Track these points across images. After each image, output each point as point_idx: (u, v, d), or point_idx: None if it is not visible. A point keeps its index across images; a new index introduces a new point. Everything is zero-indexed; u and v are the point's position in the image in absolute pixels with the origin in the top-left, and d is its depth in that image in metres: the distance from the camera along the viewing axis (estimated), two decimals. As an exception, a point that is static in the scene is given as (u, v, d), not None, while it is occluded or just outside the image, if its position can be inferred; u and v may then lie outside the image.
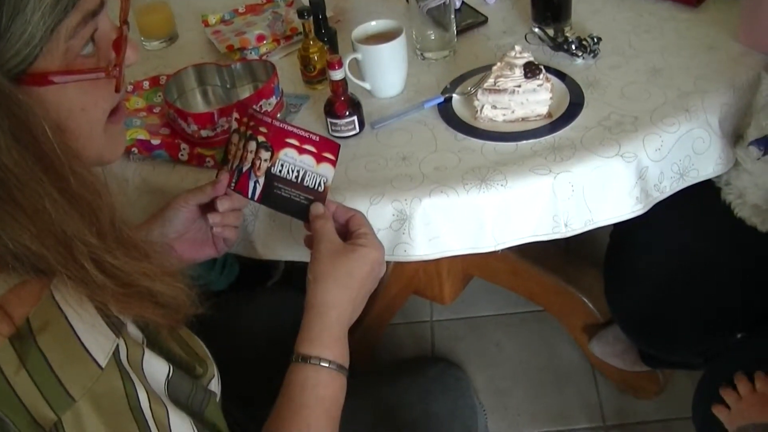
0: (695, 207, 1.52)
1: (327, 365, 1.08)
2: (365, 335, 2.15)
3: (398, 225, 1.33)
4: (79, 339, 0.79)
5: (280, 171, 1.23)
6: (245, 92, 1.56)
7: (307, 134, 1.22)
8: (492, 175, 1.33)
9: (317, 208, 1.20)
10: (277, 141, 1.23)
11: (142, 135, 1.47)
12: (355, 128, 1.47)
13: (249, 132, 1.25)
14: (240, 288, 2.25)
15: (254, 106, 1.43)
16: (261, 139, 1.24)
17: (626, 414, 2.15)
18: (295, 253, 1.39)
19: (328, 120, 1.46)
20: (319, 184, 1.22)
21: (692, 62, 1.53)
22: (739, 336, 1.60)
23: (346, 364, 1.10)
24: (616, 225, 1.43)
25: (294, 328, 1.12)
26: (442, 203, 1.32)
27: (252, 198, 1.25)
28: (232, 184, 1.26)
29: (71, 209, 0.79)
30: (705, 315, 1.52)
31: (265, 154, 1.23)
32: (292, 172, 1.22)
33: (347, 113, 1.45)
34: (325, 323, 1.10)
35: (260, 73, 1.56)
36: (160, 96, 1.59)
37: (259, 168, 1.24)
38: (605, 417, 2.15)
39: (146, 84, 1.62)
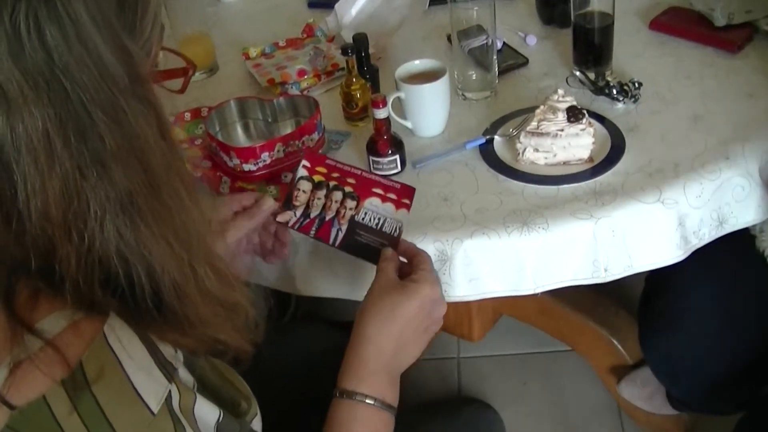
0: (731, 255, 1.52)
1: (363, 400, 1.07)
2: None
3: (439, 265, 1.34)
4: (133, 385, 0.79)
5: (363, 218, 1.27)
6: (287, 127, 1.58)
7: (390, 183, 1.28)
8: (533, 218, 1.34)
9: (386, 252, 1.20)
10: (363, 190, 1.28)
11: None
12: (397, 167, 1.48)
13: (334, 183, 1.30)
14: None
15: (297, 142, 1.45)
16: (348, 189, 1.29)
17: (653, 457, 2.13)
18: (335, 289, 1.40)
19: (370, 158, 1.47)
20: (395, 229, 1.25)
21: (732, 109, 1.53)
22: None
23: (390, 400, 1.09)
24: (651, 270, 1.43)
25: (327, 362, 1.13)
26: (483, 245, 1.33)
27: (333, 244, 1.28)
28: (296, 227, 1.30)
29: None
30: (740, 363, 1.51)
31: (351, 203, 1.28)
32: (374, 219, 1.27)
33: (390, 152, 1.46)
34: (362, 357, 1.09)
35: (302, 109, 1.57)
36: (201, 128, 1.60)
37: (343, 216, 1.28)
38: (631, 459, 2.14)
39: (187, 116, 1.64)
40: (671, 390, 1.81)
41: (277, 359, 1.50)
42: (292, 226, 1.31)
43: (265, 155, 1.44)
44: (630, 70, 1.69)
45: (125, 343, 0.79)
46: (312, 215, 1.30)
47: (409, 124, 1.57)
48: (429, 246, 1.33)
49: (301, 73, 1.74)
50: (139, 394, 0.79)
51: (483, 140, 1.52)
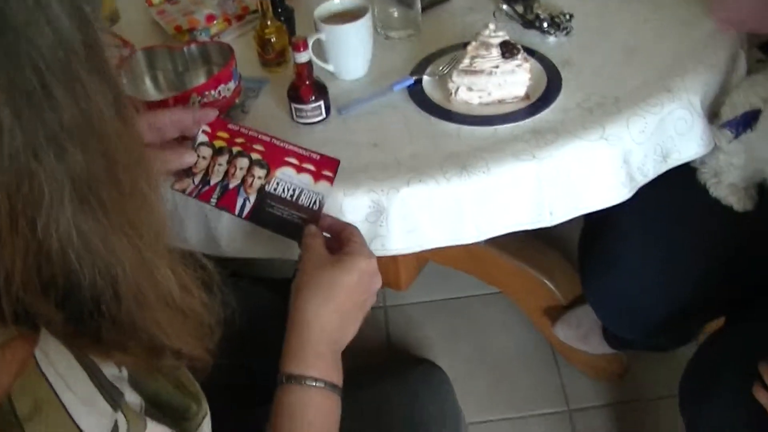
0: (671, 190, 1.47)
1: (313, 384, 0.99)
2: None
3: (374, 217, 1.25)
4: (74, 421, 0.67)
5: (275, 189, 1.17)
6: (200, 77, 1.45)
7: (307, 153, 1.18)
8: (472, 162, 1.26)
9: (310, 228, 1.12)
10: (274, 159, 1.18)
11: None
12: (321, 114, 1.37)
13: (238, 148, 1.20)
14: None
15: (213, 92, 1.33)
16: (256, 156, 1.19)
17: (590, 397, 2.11)
18: (264, 249, 1.30)
19: (293, 105, 1.37)
20: (315, 202, 1.16)
21: (669, 39, 1.47)
22: (716, 320, 1.57)
23: (336, 381, 1.02)
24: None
25: (262, 325, 1.07)
26: (420, 193, 1.24)
27: (240, 215, 1.18)
28: (194, 195, 1.20)
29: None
30: (684, 301, 1.47)
31: (260, 172, 1.18)
32: (288, 190, 1.17)
33: (313, 98, 1.35)
34: (307, 338, 1.01)
35: (215, 56, 1.45)
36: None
37: (251, 185, 1.18)
38: (569, 401, 2.11)
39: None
40: (615, 331, 1.77)
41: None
42: (190, 194, 1.20)
43: (194, 98, 1.32)
44: (559, 1, 1.60)
45: (62, 371, 0.67)
46: (212, 182, 1.20)
47: (331, 68, 1.47)
48: (363, 197, 1.24)
49: (210, 18, 1.61)
50: (81, 430, 0.67)
51: (411, 81, 1.42)
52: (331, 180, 1.17)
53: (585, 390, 2.12)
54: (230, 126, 1.23)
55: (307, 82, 1.35)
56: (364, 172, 1.27)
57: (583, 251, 1.61)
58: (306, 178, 1.17)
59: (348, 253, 1.05)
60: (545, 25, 1.50)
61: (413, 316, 2.38)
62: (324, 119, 1.38)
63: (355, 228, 1.12)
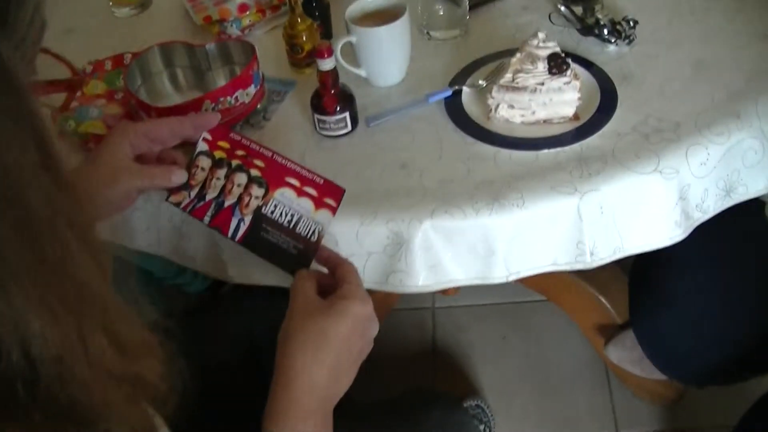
0: (733, 226, 1.31)
1: None
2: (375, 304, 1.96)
3: (393, 250, 1.13)
4: None
5: (272, 212, 1.06)
6: (220, 77, 1.34)
7: (311, 175, 1.07)
8: (506, 192, 1.12)
9: (301, 272, 1.00)
10: (274, 178, 1.07)
11: (99, 130, 1.25)
12: (346, 126, 1.25)
13: (237, 162, 1.09)
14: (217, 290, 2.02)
15: (230, 98, 1.22)
16: (255, 173, 1.08)
17: (642, 421, 1.97)
18: (273, 277, 1.19)
19: (315, 116, 1.25)
20: (314, 232, 1.04)
21: (744, 53, 1.30)
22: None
23: None
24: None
25: (274, 339, 0.95)
26: (446, 225, 1.12)
27: (233, 238, 1.07)
28: (188, 210, 1.09)
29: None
30: (742, 344, 1.32)
31: (257, 191, 1.07)
32: (286, 215, 1.06)
33: (338, 109, 1.23)
34: (294, 395, 0.90)
35: (237, 55, 1.33)
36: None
37: (247, 205, 1.07)
38: (618, 423, 1.97)
39: (108, 64, 1.39)
40: (664, 373, 1.62)
41: (217, 337, 1.31)
42: (185, 209, 1.09)
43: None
44: (622, 3, 1.45)
45: None
46: (208, 197, 1.09)
47: (363, 73, 1.34)
48: (381, 227, 1.12)
49: (243, 7, 1.49)
50: None
51: (449, 92, 1.29)
52: (333, 210, 1.06)
53: (636, 413, 1.98)
54: (232, 135, 1.12)
55: (332, 92, 1.22)
56: (386, 198, 1.14)
57: (634, 284, 1.47)
58: (306, 204, 1.06)
59: (341, 297, 0.94)
60: (605, 32, 1.34)
61: (461, 319, 2.26)
62: (349, 132, 1.26)
63: (351, 266, 1.01)
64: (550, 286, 2.07)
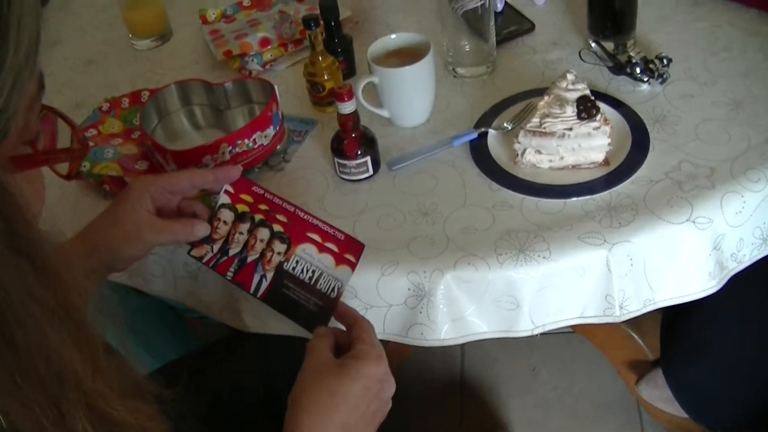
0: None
1: None
2: (390, 350, 1.92)
3: (414, 302, 1.09)
4: None
5: (293, 269, 1.04)
6: (239, 115, 1.31)
7: (332, 231, 1.06)
8: (532, 243, 1.08)
9: (319, 330, 0.98)
10: (296, 233, 1.06)
11: (114, 171, 1.22)
12: (368, 170, 1.22)
13: (260, 217, 1.07)
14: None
15: (247, 141, 1.19)
16: (277, 228, 1.06)
17: (674, 458, 1.90)
18: (289, 328, 1.14)
19: (336, 160, 1.21)
20: (333, 289, 1.02)
21: (783, 94, 1.25)
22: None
23: None
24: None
25: (288, 384, 0.92)
26: (469, 277, 1.07)
27: (254, 294, 1.05)
28: (211, 265, 1.06)
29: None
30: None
31: (280, 247, 1.05)
32: (307, 271, 1.04)
33: (359, 153, 1.19)
34: None
35: (257, 94, 1.30)
36: (142, 117, 1.34)
37: (269, 261, 1.05)
38: (650, 461, 1.92)
39: (125, 102, 1.37)
40: (699, 423, 1.56)
41: (229, 382, 1.27)
42: (207, 263, 1.07)
43: (207, 159, 1.18)
44: (656, 39, 1.40)
45: None
46: (231, 253, 1.06)
47: (385, 113, 1.30)
48: (402, 279, 1.08)
49: (264, 42, 1.45)
50: None
51: (474, 135, 1.24)
52: (353, 266, 1.03)
53: (669, 450, 1.92)
54: (255, 189, 1.09)
55: (353, 135, 1.19)
56: (407, 248, 1.11)
57: (666, 328, 1.42)
58: (327, 260, 1.03)
59: (353, 357, 0.91)
60: (638, 70, 1.30)
61: (490, 350, 2.21)
62: (371, 176, 1.22)
63: (367, 324, 0.98)
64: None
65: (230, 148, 1.18)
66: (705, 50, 1.36)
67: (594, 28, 1.39)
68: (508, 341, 2.14)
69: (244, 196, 1.08)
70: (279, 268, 1.04)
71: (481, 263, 1.07)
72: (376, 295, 1.09)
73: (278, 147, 1.26)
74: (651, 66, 1.30)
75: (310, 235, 1.05)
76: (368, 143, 1.20)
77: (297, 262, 1.04)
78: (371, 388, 0.91)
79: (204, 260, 1.07)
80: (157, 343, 1.70)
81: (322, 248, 1.04)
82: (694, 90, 1.29)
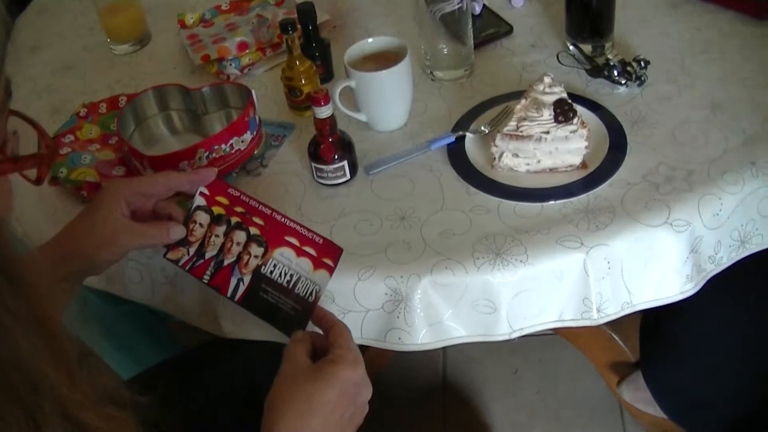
0: (751, 274, 1.26)
1: None
2: (372, 356, 1.91)
3: (392, 306, 1.09)
4: None
5: (271, 272, 1.03)
6: (216, 120, 1.30)
7: (310, 234, 1.05)
8: (510, 248, 1.08)
9: (296, 334, 0.98)
10: (273, 236, 1.05)
11: (91, 177, 1.22)
12: (345, 174, 1.21)
13: (236, 219, 1.05)
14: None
15: (224, 146, 1.18)
16: (254, 231, 1.05)
17: (656, 461, 1.91)
18: (268, 333, 1.14)
19: (313, 165, 1.21)
20: (311, 293, 1.02)
21: (761, 95, 1.25)
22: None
23: None
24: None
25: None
26: (446, 281, 1.07)
27: (232, 298, 1.04)
28: (187, 268, 1.06)
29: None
30: (755, 400, 1.27)
31: (257, 250, 1.04)
32: (285, 275, 1.03)
33: (335, 157, 1.19)
34: None
35: (234, 99, 1.30)
36: (120, 122, 1.33)
37: (246, 264, 1.04)
38: (633, 462, 1.92)
39: (103, 107, 1.36)
40: (679, 425, 1.57)
41: (211, 387, 1.26)
42: (184, 266, 1.06)
43: (184, 164, 1.17)
44: (634, 41, 1.40)
45: None
46: (207, 256, 1.06)
47: (363, 117, 1.30)
48: (379, 284, 1.08)
49: (242, 46, 1.45)
50: None
51: (452, 138, 1.24)
52: (331, 270, 1.03)
53: (651, 452, 1.92)
54: (231, 191, 1.08)
55: (330, 140, 1.18)
56: (384, 253, 1.10)
57: (645, 330, 1.42)
58: (305, 264, 1.03)
59: (329, 362, 0.91)
60: (615, 73, 1.30)
61: (472, 353, 2.21)
62: (348, 180, 1.22)
63: (344, 328, 0.98)
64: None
65: (207, 153, 1.18)
66: (683, 52, 1.36)
67: (572, 30, 1.39)
68: (491, 344, 2.15)
69: (219, 199, 1.08)
70: (256, 271, 1.03)
71: (458, 267, 1.07)
72: (353, 299, 1.09)
73: (256, 152, 1.25)
74: (629, 68, 1.30)
75: (288, 238, 1.04)
76: (345, 147, 1.20)
77: (275, 265, 1.03)
78: (348, 392, 0.91)
79: (180, 263, 1.07)
80: (139, 348, 1.69)
81: (300, 252, 1.03)
82: (672, 92, 1.29)
